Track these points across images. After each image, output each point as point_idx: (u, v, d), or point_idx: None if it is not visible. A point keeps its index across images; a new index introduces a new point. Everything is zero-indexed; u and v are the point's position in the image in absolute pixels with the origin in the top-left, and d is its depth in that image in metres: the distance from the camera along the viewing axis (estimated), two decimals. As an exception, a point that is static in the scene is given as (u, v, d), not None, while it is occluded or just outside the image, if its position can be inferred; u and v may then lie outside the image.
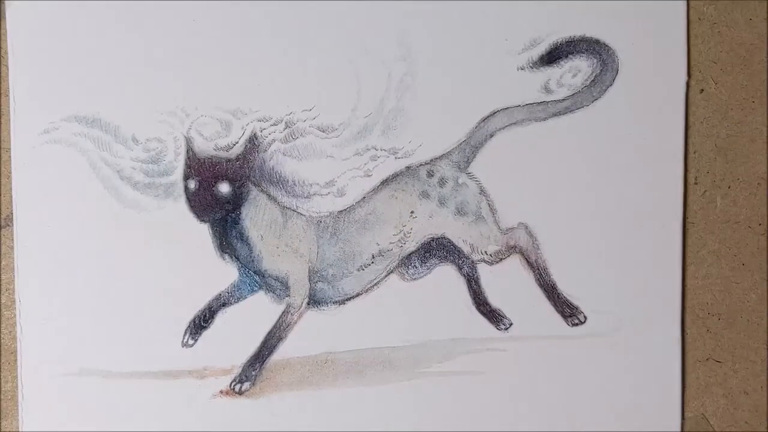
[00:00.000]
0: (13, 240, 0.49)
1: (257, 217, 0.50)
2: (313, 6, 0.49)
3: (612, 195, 0.50)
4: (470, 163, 0.50)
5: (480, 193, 0.50)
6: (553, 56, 0.50)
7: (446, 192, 0.50)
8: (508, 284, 0.51)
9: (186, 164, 0.49)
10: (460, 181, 0.50)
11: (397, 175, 0.50)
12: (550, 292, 0.50)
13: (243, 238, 0.50)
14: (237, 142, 0.49)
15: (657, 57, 0.50)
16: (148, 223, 0.49)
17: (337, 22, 0.49)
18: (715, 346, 0.52)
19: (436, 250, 0.51)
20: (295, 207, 0.50)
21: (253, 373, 0.50)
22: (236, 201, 0.49)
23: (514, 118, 0.50)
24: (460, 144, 0.50)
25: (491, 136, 0.50)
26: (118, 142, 0.49)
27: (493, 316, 0.51)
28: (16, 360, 0.50)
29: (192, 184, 0.49)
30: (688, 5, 0.50)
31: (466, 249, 0.51)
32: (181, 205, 0.49)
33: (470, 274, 0.51)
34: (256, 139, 0.49)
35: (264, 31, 0.49)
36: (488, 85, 0.50)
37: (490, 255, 0.51)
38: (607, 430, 0.51)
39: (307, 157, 0.50)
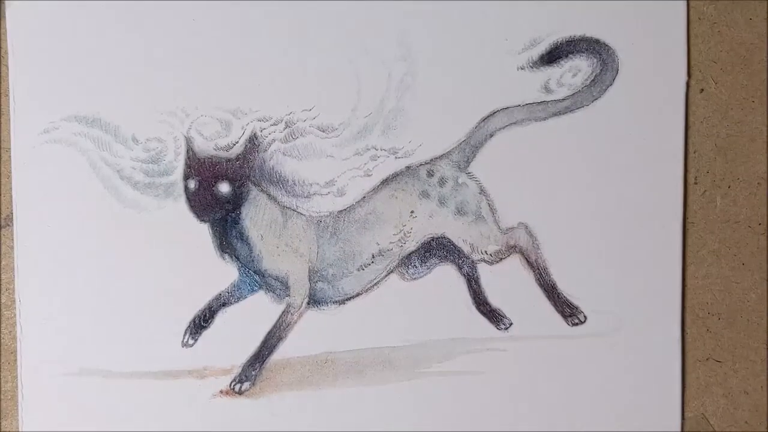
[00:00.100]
0: (13, 240, 0.49)
1: (257, 217, 0.50)
2: (313, 6, 0.49)
3: (612, 195, 0.50)
4: (470, 162, 0.50)
5: (480, 193, 0.50)
6: (553, 56, 0.50)
7: (446, 192, 0.50)
8: (508, 284, 0.51)
9: (186, 164, 0.49)
10: (460, 180, 0.50)
11: (397, 174, 0.50)
12: (550, 291, 0.50)
13: (243, 237, 0.50)
14: (237, 142, 0.49)
15: (657, 57, 0.50)
16: (148, 223, 0.49)
17: (337, 22, 0.49)
18: (715, 346, 0.52)
19: (436, 249, 0.51)
20: (295, 207, 0.50)
21: (253, 373, 0.50)
22: (236, 201, 0.49)
23: (514, 118, 0.50)
24: (460, 144, 0.50)
25: (491, 135, 0.50)
26: (118, 141, 0.49)
27: (493, 315, 0.51)
28: (16, 360, 0.50)
29: (192, 184, 0.49)
30: (688, 5, 0.50)
31: (466, 249, 0.51)
32: (181, 205, 0.49)
33: (470, 274, 0.51)
34: (256, 138, 0.49)
35: (264, 31, 0.49)
36: (488, 84, 0.50)
37: (490, 255, 0.51)
38: (607, 430, 0.51)
39: (307, 156, 0.50)
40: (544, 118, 0.50)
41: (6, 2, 0.49)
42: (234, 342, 0.50)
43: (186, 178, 0.49)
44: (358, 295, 0.50)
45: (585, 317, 0.51)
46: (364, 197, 0.50)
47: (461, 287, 0.51)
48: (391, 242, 0.50)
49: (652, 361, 0.51)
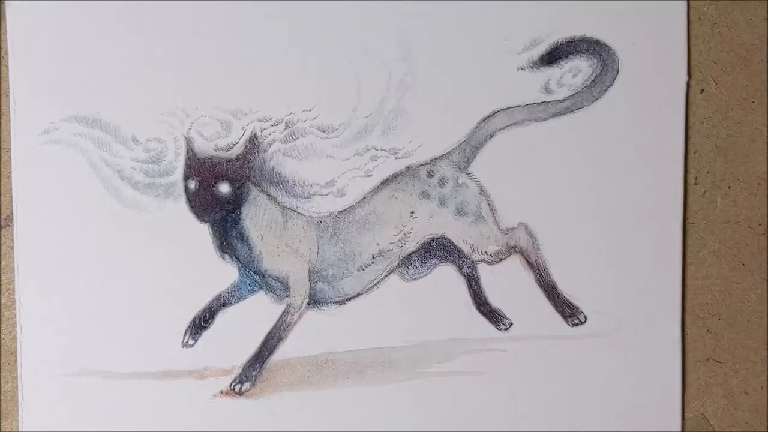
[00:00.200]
0: (13, 240, 0.49)
1: (257, 218, 0.50)
2: (313, 6, 0.49)
3: (612, 195, 0.50)
4: (470, 163, 0.50)
5: (480, 193, 0.50)
6: (553, 56, 0.50)
7: (446, 192, 0.50)
8: (508, 284, 0.51)
9: (186, 164, 0.49)
10: (460, 181, 0.50)
11: (398, 175, 0.50)
12: (551, 292, 0.50)
13: (243, 238, 0.50)
14: (237, 143, 0.49)
15: (657, 57, 0.50)
16: (149, 224, 0.49)
17: (337, 22, 0.49)
18: (716, 347, 0.52)
19: (437, 250, 0.51)
20: (295, 207, 0.50)
21: (254, 373, 0.50)
22: (236, 201, 0.49)
23: (514, 119, 0.50)
24: (461, 144, 0.50)
25: (491, 136, 0.50)
26: (119, 142, 0.49)
27: (494, 316, 0.51)
28: (16, 360, 0.50)
29: (192, 185, 0.49)
30: (688, 5, 0.50)
31: (466, 249, 0.51)
32: (182, 206, 0.49)
33: (470, 274, 0.51)
34: (257, 139, 0.49)
35: (264, 31, 0.49)
36: (488, 85, 0.50)
37: (491, 255, 0.51)
38: (607, 431, 0.51)
39: (307, 157, 0.50)
40: (545, 119, 0.50)
41: (6, 2, 0.49)
42: (234, 342, 0.50)
43: (186, 178, 0.49)
44: (358, 295, 0.50)
45: (585, 318, 0.51)
46: (365, 198, 0.50)
47: (461, 288, 0.51)
48: (391, 243, 0.50)
49: (653, 362, 0.51)
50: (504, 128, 0.50)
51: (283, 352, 0.50)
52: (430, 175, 0.50)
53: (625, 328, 0.51)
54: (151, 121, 0.49)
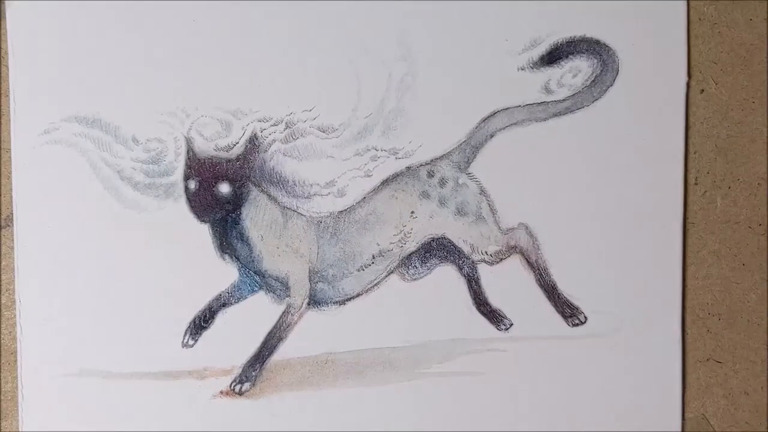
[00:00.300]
0: (13, 240, 0.49)
1: (257, 218, 0.50)
2: (313, 6, 0.49)
3: (612, 195, 0.50)
4: (470, 163, 0.50)
5: (480, 194, 0.50)
6: (553, 56, 0.50)
7: (446, 192, 0.50)
8: (508, 284, 0.51)
9: (186, 164, 0.49)
10: (460, 181, 0.50)
11: (398, 175, 0.50)
12: (551, 292, 0.50)
13: (243, 238, 0.50)
14: (237, 143, 0.49)
15: (657, 57, 0.50)
16: (149, 224, 0.49)
17: (337, 22, 0.49)
18: (716, 347, 0.52)
19: (437, 250, 0.51)
20: (295, 207, 0.50)
21: (254, 373, 0.50)
22: (236, 201, 0.49)
23: (514, 119, 0.50)
24: (461, 144, 0.50)
25: (491, 136, 0.50)
26: (119, 142, 0.49)
27: (494, 316, 0.51)
28: (16, 360, 0.50)
29: (192, 185, 0.49)
30: (688, 5, 0.50)
31: (466, 249, 0.51)
32: (182, 206, 0.49)
33: (470, 275, 0.51)
34: (257, 139, 0.49)
35: (264, 31, 0.49)
36: (488, 85, 0.50)
37: (491, 255, 0.51)
38: (607, 431, 0.51)
39: (307, 157, 0.50)
40: (545, 119, 0.50)
41: (6, 2, 0.49)
42: (234, 342, 0.50)
43: (186, 178, 0.49)
44: (358, 295, 0.50)
45: (585, 318, 0.51)
46: (365, 198, 0.50)
47: (461, 288, 0.51)
48: (391, 243, 0.50)
49: (653, 362, 0.51)
50: (504, 128, 0.50)
51: (283, 353, 0.50)
52: (431, 175, 0.50)
53: (625, 328, 0.51)
54: (151, 121, 0.49)
